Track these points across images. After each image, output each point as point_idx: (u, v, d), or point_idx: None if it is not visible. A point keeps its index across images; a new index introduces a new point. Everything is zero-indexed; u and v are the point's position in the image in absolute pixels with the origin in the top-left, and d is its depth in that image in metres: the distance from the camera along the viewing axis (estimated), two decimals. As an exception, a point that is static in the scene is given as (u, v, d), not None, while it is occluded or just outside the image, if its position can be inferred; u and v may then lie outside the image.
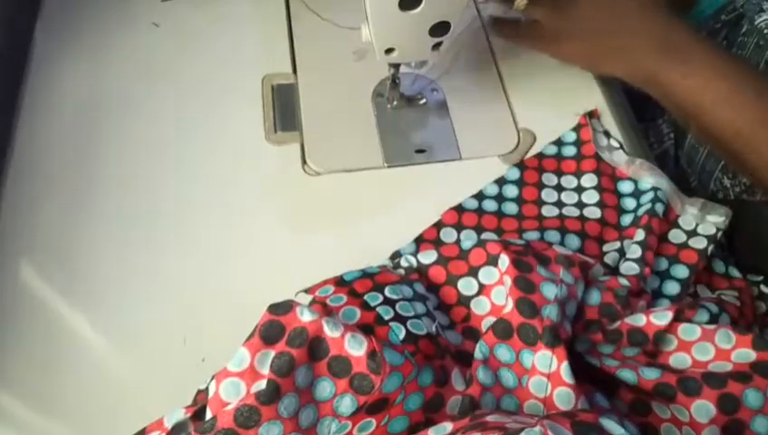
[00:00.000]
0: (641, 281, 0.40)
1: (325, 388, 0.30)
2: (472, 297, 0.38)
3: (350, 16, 0.56)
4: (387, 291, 0.35)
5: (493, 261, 0.38)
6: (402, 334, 0.33)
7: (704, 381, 0.33)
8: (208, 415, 0.29)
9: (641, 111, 0.56)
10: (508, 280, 0.36)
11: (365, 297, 0.35)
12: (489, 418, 0.28)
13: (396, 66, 0.48)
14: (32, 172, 0.46)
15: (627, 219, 0.45)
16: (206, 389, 0.33)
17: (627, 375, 0.34)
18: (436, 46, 0.43)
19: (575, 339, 0.36)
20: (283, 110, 0.51)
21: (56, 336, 0.39)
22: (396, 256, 0.42)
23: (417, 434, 0.29)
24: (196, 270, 0.42)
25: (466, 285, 0.38)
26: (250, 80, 0.52)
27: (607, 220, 0.44)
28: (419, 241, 0.43)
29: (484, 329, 0.36)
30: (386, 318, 0.34)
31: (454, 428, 0.28)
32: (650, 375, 0.34)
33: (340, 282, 0.36)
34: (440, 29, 0.41)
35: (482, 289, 0.38)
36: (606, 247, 0.43)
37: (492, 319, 0.36)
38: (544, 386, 0.33)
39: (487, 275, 0.38)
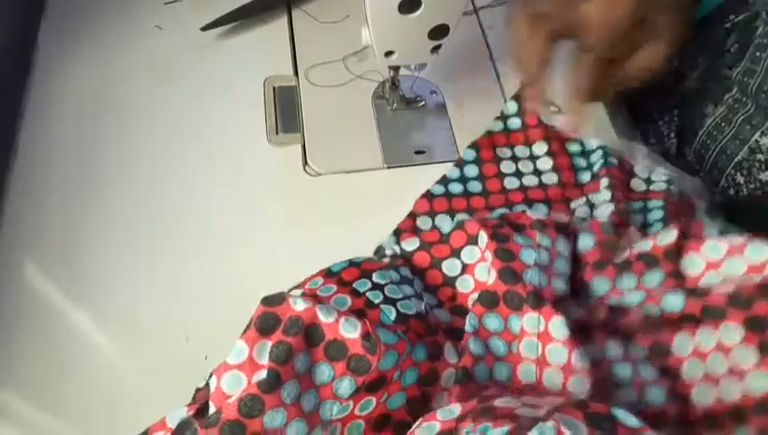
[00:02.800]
0: (621, 215, 0.41)
1: (324, 372, 0.31)
2: (456, 277, 0.39)
3: (351, 20, 0.56)
4: (374, 277, 0.36)
5: (473, 241, 0.39)
6: (393, 315, 0.34)
7: (729, 305, 0.32)
8: (212, 410, 0.30)
9: (642, 112, 0.56)
10: (489, 254, 0.37)
11: (353, 285, 0.36)
12: (497, 402, 0.28)
13: (395, 69, 0.48)
14: (36, 173, 0.47)
15: (585, 176, 0.47)
16: (206, 386, 0.33)
17: (650, 309, 0.35)
18: (436, 49, 0.44)
19: (589, 284, 0.37)
20: (285, 111, 0.51)
21: (60, 335, 0.40)
22: (379, 250, 0.43)
23: (425, 417, 0.29)
24: (198, 270, 0.43)
25: (450, 267, 0.39)
26: (252, 82, 0.52)
27: (565, 182, 0.47)
28: (398, 233, 0.44)
29: (470, 304, 0.37)
30: (375, 302, 0.34)
31: (462, 410, 0.28)
32: (675, 305, 0.34)
33: (327, 273, 0.37)
34: (439, 32, 0.42)
35: (465, 268, 0.39)
36: (573, 205, 0.45)
37: (477, 294, 0.37)
38: (535, 346, 0.34)
39: (469, 254, 0.39)
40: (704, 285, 0.35)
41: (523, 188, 0.47)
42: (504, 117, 0.50)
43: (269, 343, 0.30)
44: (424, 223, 0.45)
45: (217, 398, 0.30)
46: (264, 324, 0.31)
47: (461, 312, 0.38)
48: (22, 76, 0.52)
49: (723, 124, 0.51)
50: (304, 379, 0.30)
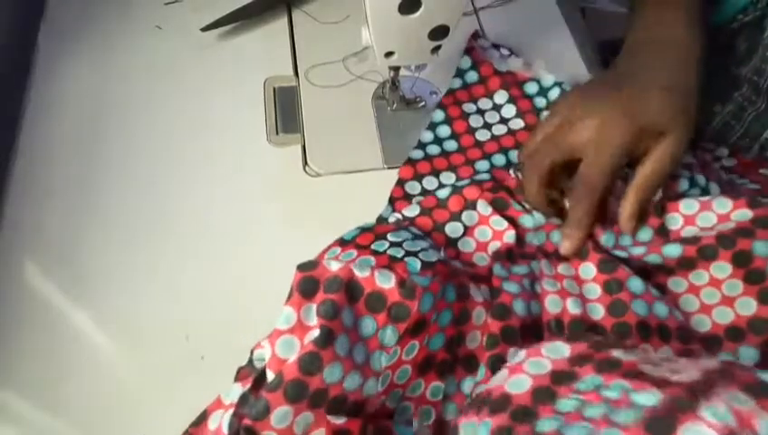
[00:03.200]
0: None
1: (368, 325, 0.32)
2: (458, 239, 0.42)
3: (351, 21, 0.56)
4: (389, 237, 0.39)
5: (471, 205, 0.42)
6: (418, 265, 0.36)
7: (718, 244, 0.38)
8: (270, 377, 0.30)
9: None
10: (496, 221, 0.42)
11: (371, 247, 0.38)
12: (616, 354, 0.28)
13: (396, 69, 0.48)
14: (36, 173, 0.47)
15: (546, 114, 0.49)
16: (248, 364, 0.35)
17: (653, 259, 0.39)
18: (436, 50, 0.44)
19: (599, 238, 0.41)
20: (285, 112, 0.51)
21: (60, 335, 0.40)
22: (380, 220, 0.44)
23: (529, 352, 0.29)
24: (198, 270, 0.43)
25: (453, 229, 0.42)
26: (252, 82, 0.53)
27: (530, 124, 0.49)
28: (392, 201, 0.46)
29: (491, 257, 0.41)
30: (399, 256, 0.36)
31: (572, 352, 0.29)
32: (673, 252, 0.39)
33: (342, 242, 0.39)
34: (439, 33, 0.42)
35: (466, 230, 0.42)
36: None
37: (479, 254, 0.42)
38: (568, 268, 0.40)
39: (469, 218, 0.42)
40: (686, 235, 0.40)
41: (495, 138, 0.49)
42: (460, 72, 0.52)
43: (313, 305, 0.31)
44: (412, 188, 0.46)
45: (275, 364, 0.30)
46: (306, 287, 0.32)
47: (469, 266, 0.41)
48: (22, 77, 0.52)
49: (732, 122, 0.51)
50: (352, 333, 0.32)
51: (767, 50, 0.47)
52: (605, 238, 0.41)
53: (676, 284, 0.39)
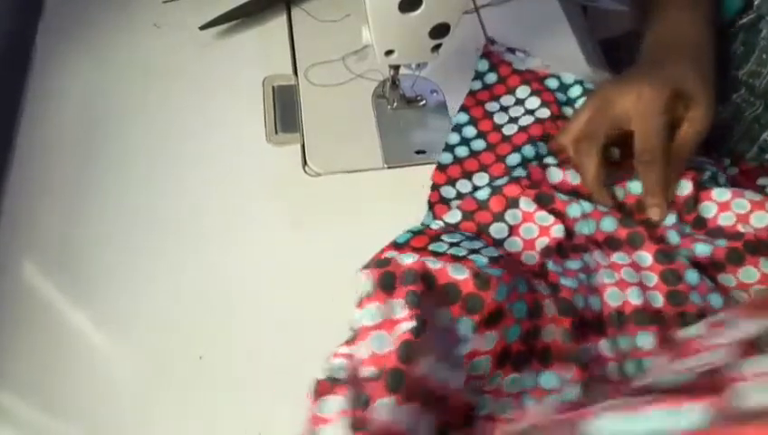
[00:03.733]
0: None
1: (446, 316, 0.33)
2: (504, 240, 0.42)
3: (351, 19, 0.56)
4: (445, 238, 0.39)
5: (514, 203, 0.42)
6: (484, 260, 0.36)
7: (745, 251, 0.39)
8: (367, 372, 0.31)
9: None
10: (541, 216, 0.41)
11: (430, 248, 0.38)
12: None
13: (396, 68, 0.48)
14: (34, 172, 0.46)
15: (568, 111, 0.49)
16: (328, 377, 0.34)
17: (702, 248, 0.40)
18: (436, 48, 0.44)
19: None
20: (284, 111, 0.51)
21: (58, 335, 0.40)
22: (424, 226, 0.43)
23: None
24: (196, 270, 0.42)
25: (498, 230, 0.42)
26: (251, 81, 0.52)
27: (555, 113, 0.49)
28: (431, 206, 0.45)
29: (539, 253, 0.41)
30: (462, 255, 0.36)
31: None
32: (704, 251, 0.40)
33: (396, 245, 0.39)
34: (440, 31, 0.41)
35: (511, 230, 0.42)
36: None
37: (528, 253, 0.41)
38: (623, 256, 0.40)
39: (513, 216, 0.42)
40: (723, 223, 0.41)
41: (522, 129, 0.49)
42: (479, 75, 0.52)
43: (395, 300, 0.32)
44: (447, 192, 0.46)
45: (372, 360, 0.31)
46: (386, 283, 0.33)
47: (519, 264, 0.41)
48: (20, 76, 0.52)
49: (732, 123, 0.51)
50: (433, 322, 0.32)
51: (764, 52, 0.47)
52: (667, 219, 0.42)
53: (726, 280, 0.40)
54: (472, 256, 0.36)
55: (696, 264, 0.40)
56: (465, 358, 0.33)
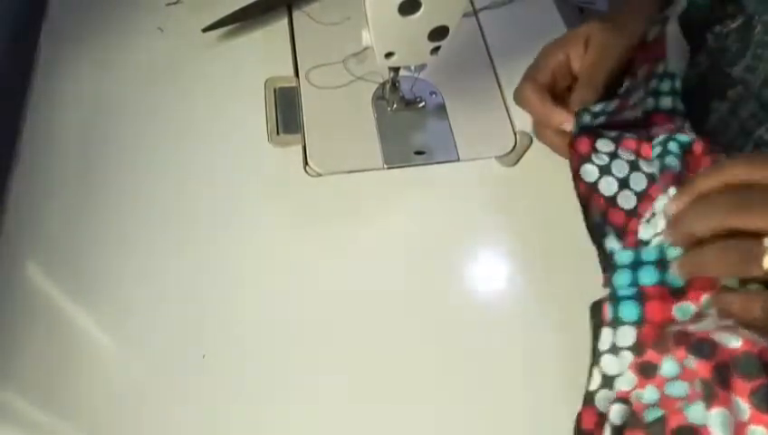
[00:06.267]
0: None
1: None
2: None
3: (351, 22, 0.57)
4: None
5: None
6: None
7: None
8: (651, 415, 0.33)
9: None
10: None
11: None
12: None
13: (396, 70, 0.48)
14: (38, 174, 0.47)
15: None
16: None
17: None
18: (435, 50, 0.44)
19: None
20: (286, 112, 0.51)
21: (61, 335, 0.40)
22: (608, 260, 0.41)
23: None
24: (198, 270, 0.43)
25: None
26: (253, 83, 0.53)
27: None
28: (606, 217, 0.43)
29: None
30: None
31: None
32: None
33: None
34: (439, 33, 0.42)
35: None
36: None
37: None
38: None
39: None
40: None
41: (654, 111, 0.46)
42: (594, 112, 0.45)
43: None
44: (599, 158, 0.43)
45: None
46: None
47: None
48: (23, 78, 0.52)
49: (728, 119, 0.51)
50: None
51: (758, 47, 0.47)
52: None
53: None
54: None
55: None
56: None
